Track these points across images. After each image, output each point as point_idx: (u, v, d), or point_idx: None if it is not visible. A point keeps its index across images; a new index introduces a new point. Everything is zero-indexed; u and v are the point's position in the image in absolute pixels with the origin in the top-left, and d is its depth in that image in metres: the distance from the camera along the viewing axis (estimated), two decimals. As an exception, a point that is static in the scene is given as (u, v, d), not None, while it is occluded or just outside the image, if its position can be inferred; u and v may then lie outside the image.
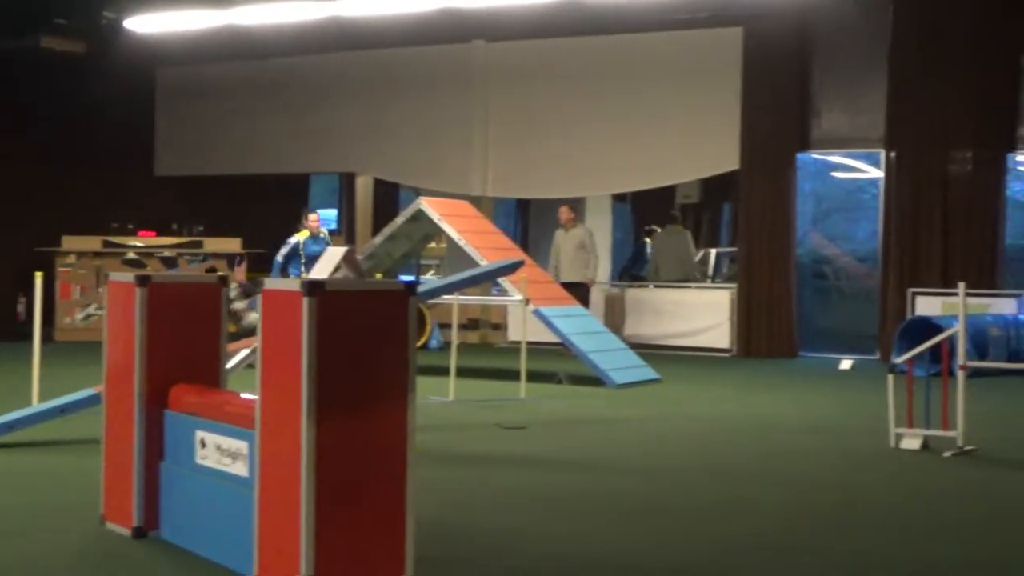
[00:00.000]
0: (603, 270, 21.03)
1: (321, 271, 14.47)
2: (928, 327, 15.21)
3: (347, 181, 23.50)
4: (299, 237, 17.30)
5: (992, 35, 18.10)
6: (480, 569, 6.00)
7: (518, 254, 15.16)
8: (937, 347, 10.32)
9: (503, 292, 16.05)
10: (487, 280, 15.95)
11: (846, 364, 17.34)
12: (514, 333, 20.18)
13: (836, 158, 23.55)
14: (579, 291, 17.38)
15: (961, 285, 10.04)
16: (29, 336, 11.08)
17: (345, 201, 23.69)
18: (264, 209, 22.31)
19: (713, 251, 22.90)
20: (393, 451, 5.38)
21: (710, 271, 22.45)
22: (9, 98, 20.58)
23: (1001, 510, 7.67)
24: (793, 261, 19.58)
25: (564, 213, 18.51)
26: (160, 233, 20.82)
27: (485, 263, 14.26)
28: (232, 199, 22.72)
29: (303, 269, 16.74)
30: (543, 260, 18.82)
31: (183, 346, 6.65)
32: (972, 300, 15.20)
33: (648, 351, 17.37)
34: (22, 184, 20.94)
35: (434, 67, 21.75)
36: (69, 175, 21.25)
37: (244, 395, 6.08)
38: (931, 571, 6.09)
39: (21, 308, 19.65)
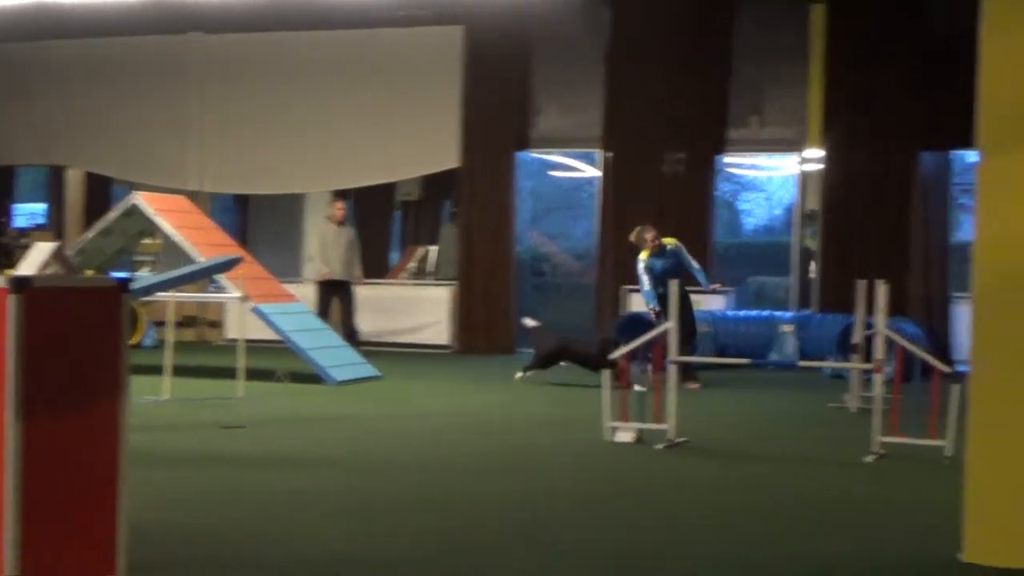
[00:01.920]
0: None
1: (29, 267, 13.91)
2: (642, 324, 15.73)
3: (56, 174, 22.68)
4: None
5: (702, 42, 18.74)
6: (191, 570, 5.87)
7: (236, 250, 14.90)
8: (649, 343, 10.63)
9: (221, 289, 15.74)
10: (204, 277, 15.62)
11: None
12: (232, 330, 19.85)
13: (555, 157, 23.99)
14: (347, 290, 17.12)
15: (674, 282, 10.32)
16: None
17: (54, 195, 22.85)
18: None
19: (434, 248, 23.02)
20: (105, 451, 5.23)
21: (430, 268, 22.56)
22: None
23: (707, 498, 7.93)
24: (512, 258, 19.85)
25: (338, 210, 17.65)
26: None
27: (202, 259, 13.97)
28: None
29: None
30: (263, 257, 18.48)
31: None
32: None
33: (369, 348, 17.32)
34: None
35: (150, 58, 21.20)
36: None
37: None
38: (630, 557, 6.23)
39: None
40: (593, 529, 6.91)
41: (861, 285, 12.60)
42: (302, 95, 20.48)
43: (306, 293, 18.04)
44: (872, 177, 18.04)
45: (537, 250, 26.89)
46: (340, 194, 20.08)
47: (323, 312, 17.10)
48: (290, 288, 16.68)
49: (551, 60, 19.63)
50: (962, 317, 17.04)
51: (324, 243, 17.19)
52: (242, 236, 22.70)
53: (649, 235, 14.61)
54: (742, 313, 18.20)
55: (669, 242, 14.65)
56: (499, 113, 19.58)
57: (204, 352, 18.41)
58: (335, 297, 17.19)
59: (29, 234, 21.20)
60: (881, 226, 17.98)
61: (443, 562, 6.11)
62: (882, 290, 10.14)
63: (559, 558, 6.23)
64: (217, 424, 10.85)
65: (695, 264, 14.70)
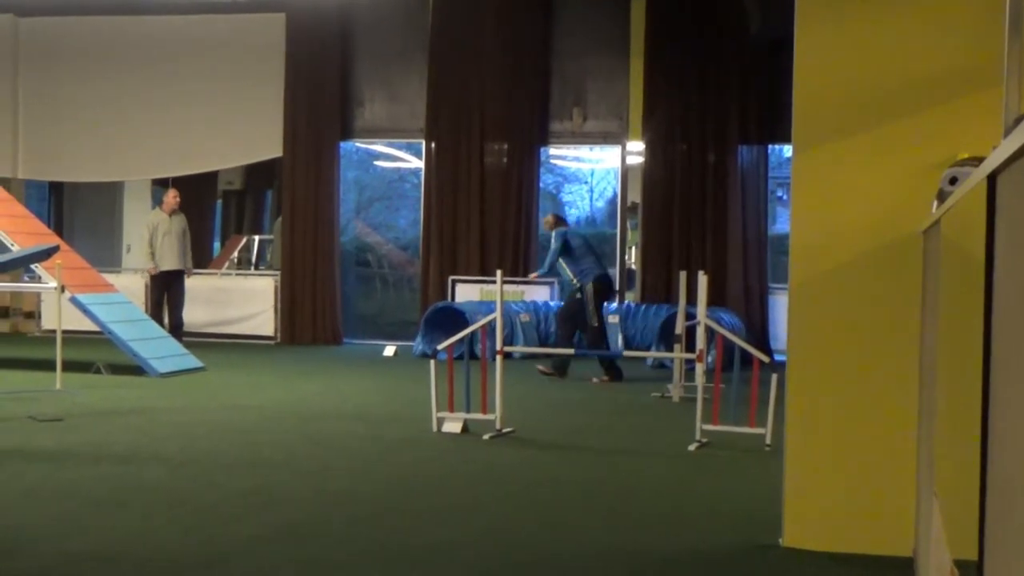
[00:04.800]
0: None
1: None
2: (453, 313, 15.96)
3: None
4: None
5: (524, 33, 18.87)
6: None
7: (53, 239, 14.55)
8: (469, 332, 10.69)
9: (36, 279, 15.34)
10: (19, 266, 15.19)
11: (390, 351, 17.63)
12: (49, 321, 19.36)
13: (379, 147, 23.90)
14: (179, 280, 16.72)
15: (499, 272, 10.39)
16: None
17: None
18: None
19: (256, 238, 22.78)
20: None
21: (253, 258, 22.31)
22: None
23: (521, 488, 7.98)
24: (336, 249, 19.73)
25: (172, 197, 17.03)
26: None
27: (17, 248, 13.60)
28: None
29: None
30: (80, 246, 18.09)
31: None
32: (508, 287, 15.84)
33: (193, 339, 17.07)
34: None
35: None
36: None
37: None
38: (447, 549, 6.25)
39: None
40: (407, 518, 6.91)
41: (682, 276, 12.82)
42: (123, 81, 20.06)
43: (125, 283, 17.73)
44: (690, 170, 18.37)
45: (362, 240, 26.77)
46: (159, 183, 19.71)
47: (157, 303, 16.73)
48: (109, 278, 16.34)
49: (374, 49, 19.57)
50: (780, 308, 17.45)
51: (155, 233, 16.65)
52: (57, 225, 22.17)
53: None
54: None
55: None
56: (322, 102, 19.45)
57: (19, 343, 17.93)
58: (167, 288, 16.73)
59: None
60: (700, 218, 18.33)
61: (234, 560, 6.05)
62: (702, 281, 10.34)
63: (328, 551, 6.21)
64: (32, 417, 10.57)
65: None
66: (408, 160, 24.56)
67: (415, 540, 6.42)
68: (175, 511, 7.02)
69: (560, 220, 14.83)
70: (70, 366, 13.31)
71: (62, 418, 10.60)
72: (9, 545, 6.15)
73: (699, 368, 9.89)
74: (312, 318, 19.48)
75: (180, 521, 6.77)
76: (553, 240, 14.45)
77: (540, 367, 15.06)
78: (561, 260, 14.42)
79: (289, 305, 19.50)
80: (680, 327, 12.49)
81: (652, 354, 15.34)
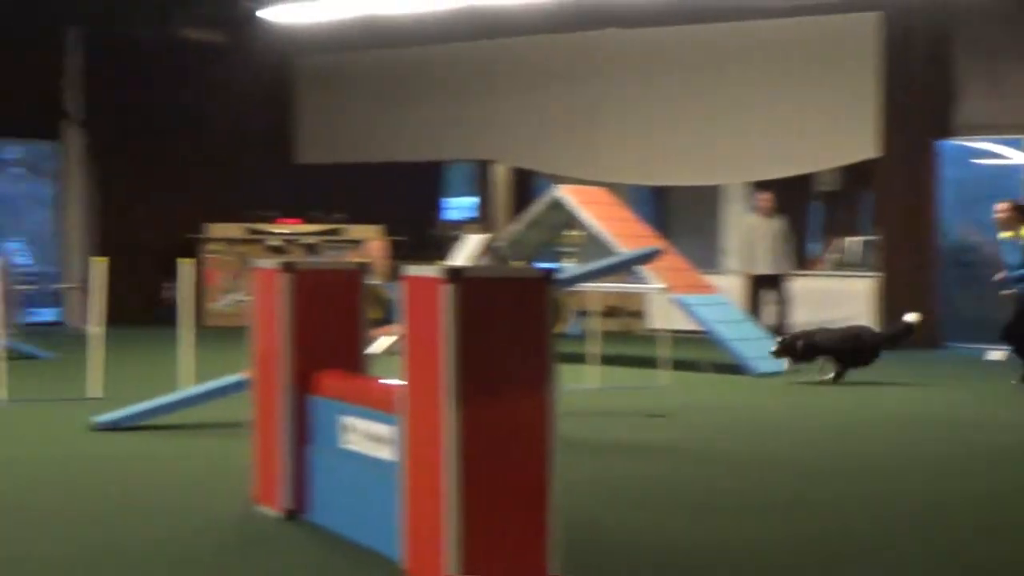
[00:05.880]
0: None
1: (460, 258, 14.54)
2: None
3: (483, 169, 23.58)
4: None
5: None
6: (620, 560, 5.98)
7: (656, 242, 15.06)
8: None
9: (642, 280, 15.93)
10: (626, 268, 15.84)
11: (996, 355, 16.59)
12: (654, 321, 20.03)
13: (978, 144, 22.98)
14: (775, 283, 16.85)
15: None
16: (177, 321, 11.31)
17: (482, 189, 23.79)
18: (402, 196, 22.49)
19: (853, 239, 22.52)
20: (535, 438, 5.33)
21: (849, 259, 22.07)
22: (150, 87, 21.00)
23: None
24: (936, 250, 19.18)
25: (765, 201, 17.23)
26: (303, 221, 21.22)
27: (624, 251, 14.19)
28: (371, 186, 22.87)
29: None
30: (682, 247, 18.57)
31: (326, 332, 6.74)
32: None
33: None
34: (166, 172, 21.33)
35: (570, 54, 21.68)
36: (211, 163, 21.59)
37: (386, 380, 6.12)
38: None
39: (169, 294, 20.02)
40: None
41: None
42: (714, 88, 20.37)
43: (725, 284, 18.01)
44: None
45: (964, 241, 25.83)
46: (760, 185, 19.90)
47: (754, 306, 16.78)
48: (709, 280, 16.68)
49: (974, 42, 18.80)
50: None
51: (750, 236, 16.66)
52: (661, 227, 22.93)
53: None
54: None
55: None
56: (917, 100, 18.94)
57: (628, 342, 18.70)
58: (766, 291, 16.80)
59: (460, 226, 22.19)
60: None
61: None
62: None
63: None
64: (641, 413, 11.01)
65: None
66: (1009, 156, 23.45)
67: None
68: (769, 513, 7.10)
69: None
70: (675, 364, 13.71)
71: (665, 415, 10.97)
72: (633, 537, 6.45)
73: None
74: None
75: (771, 525, 6.84)
76: None
77: None
78: None
79: (887, 307, 19.13)
80: None
81: None
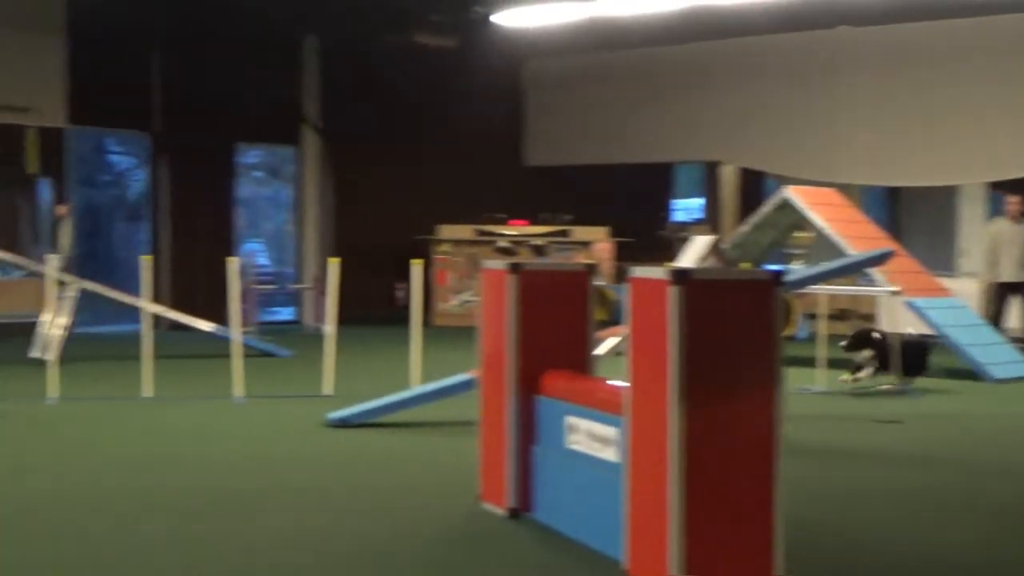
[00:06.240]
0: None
1: (688, 260, 14.49)
2: None
3: (710, 170, 23.44)
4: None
5: None
6: (847, 566, 5.90)
7: (888, 244, 14.76)
8: None
9: (873, 282, 15.61)
10: (856, 270, 15.53)
11: None
12: (885, 324, 19.60)
13: None
14: (1021, 291, 16.06)
15: None
16: (408, 321, 11.55)
17: (710, 190, 23.66)
18: (629, 198, 22.52)
19: None
20: (761, 441, 5.32)
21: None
22: (386, 92, 21.50)
23: None
24: None
25: (1015, 204, 16.23)
26: (531, 222, 21.43)
27: (854, 253, 13.96)
28: (599, 188, 22.96)
29: None
30: (915, 250, 18.13)
31: (553, 332, 6.81)
32: None
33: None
34: (398, 176, 21.79)
35: (799, 53, 21.39)
36: (442, 166, 21.98)
37: (612, 382, 6.15)
38: None
39: (401, 295, 20.44)
40: None
41: None
42: (949, 83, 19.82)
43: (959, 288, 17.47)
44: None
45: None
46: (998, 186, 19.22)
47: (996, 314, 16.04)
48: (944, 283, 16.25)
49: None
50: None
51: (996, 241, 15.99)
52: (894, 229, 22.41)
53: None
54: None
55: None
56: None
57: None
58: (1013, 298, 16.11)
59: (687, 228, 22.10)
60: None
61: None
62: None
63: None
64: (871, 418, 10.82)
65: None
66: None
67: None
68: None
69: None
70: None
71: (902, 420, 10.73)
72: (860, 542, 6.36)
73: None
74: None
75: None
76: None
77: None
78: None
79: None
80: None
81: None
